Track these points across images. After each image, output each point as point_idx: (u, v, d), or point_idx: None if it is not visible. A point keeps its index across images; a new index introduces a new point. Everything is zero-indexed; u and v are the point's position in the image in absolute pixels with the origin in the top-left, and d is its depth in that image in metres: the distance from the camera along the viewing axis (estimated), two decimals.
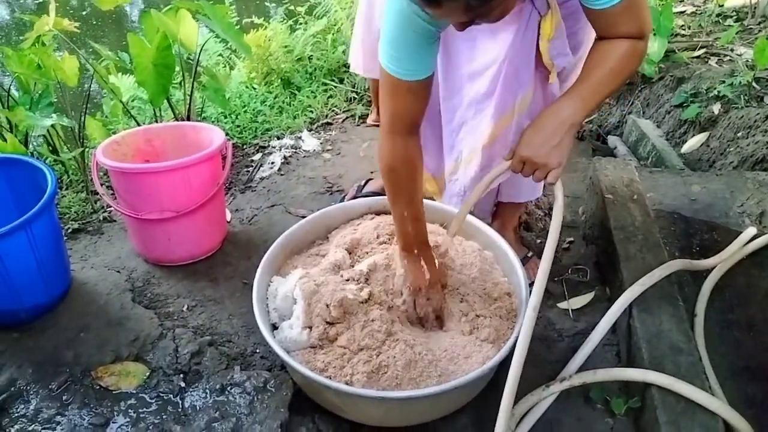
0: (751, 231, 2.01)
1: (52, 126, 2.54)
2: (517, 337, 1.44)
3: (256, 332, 1.85)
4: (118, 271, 2.16)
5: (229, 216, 2.45)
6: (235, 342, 1.86)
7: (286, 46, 3.80)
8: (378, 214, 1.99)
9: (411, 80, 1.46)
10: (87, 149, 2.71)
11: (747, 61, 3.35)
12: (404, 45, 1.42)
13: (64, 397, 1.67)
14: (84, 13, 7.64)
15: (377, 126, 3.24)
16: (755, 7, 4.11)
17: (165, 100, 2.72)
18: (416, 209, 1.67)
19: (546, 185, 1.53)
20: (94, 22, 7.25)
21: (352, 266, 1.75)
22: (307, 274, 1.69)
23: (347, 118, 3.43)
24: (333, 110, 3.50)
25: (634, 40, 1.38)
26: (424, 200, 1.76)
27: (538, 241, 2.27)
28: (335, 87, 3.68)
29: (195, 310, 1.98)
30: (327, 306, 1.57)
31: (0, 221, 1.93)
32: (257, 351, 1.83)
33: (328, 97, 3.60)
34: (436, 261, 1.70)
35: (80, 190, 2.70)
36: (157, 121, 2.86)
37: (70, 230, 2.40)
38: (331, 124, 3.35)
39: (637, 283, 1.68)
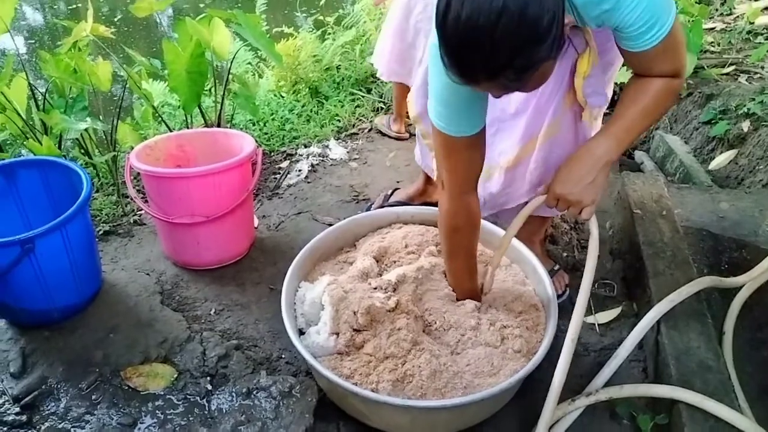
0: None
1: (85, 130, 2.59)
2: (545, 352, 1.46)
3: (282, 337, 1.87)
4: (148, 274, 2.19)
5: (256, 222, 2.48)
6: (261, 347, 1.88)
7: (314, 56, 3.84)
8: (405, 223, 1.99)
9: (465, 136, 1.44)
10: (118, 153, 2.76)
11: None
12: (455, 103, 1.39)
13: (94, 397, 1.70)
14: (115, 19, 7.78)
15: (400, 138, 3.25)
16: None
17: (196, 107, 2.76)
18: (472, 265, 1.70)
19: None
20: (126, 29, 7.37)
21: (380, 275, 1.76)
22: (336, 280, 1.70)
23: (374, 128, 3.45)
24: (360, 120, 3.53)
25: (670, 78, 1.39)
26: None
27: (564, 254, 2.26)
28: (363, 97, 3.70)
29: (222, 314, 2.01)
30: (354, 313, 1.58)
31: (36, 222, 2.00)
32: (283, 356, 1.84)
33: (356, 107, 3.62)
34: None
35: (111, 193, 2.74)
36: (188, 127, 2.90)
37: (101, 232, 2.44)
38: (357, 133, 3.37)
39: (665, 299, 1.67)
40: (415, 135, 3.23)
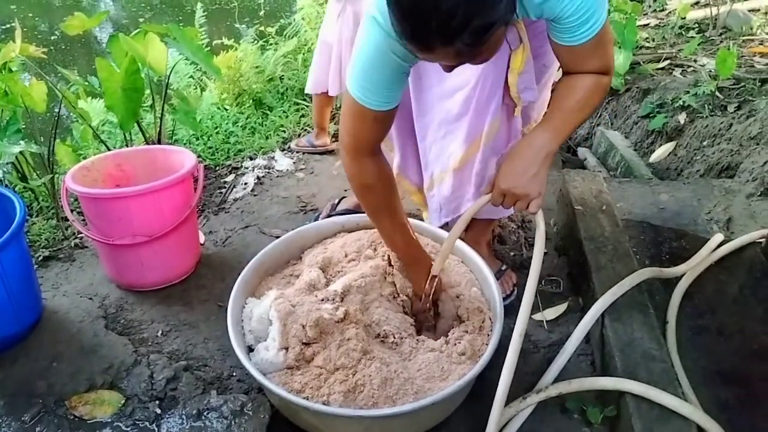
0: (719, 237, 2.06)
1: (21, 153, 2.51)
2: (491, 354, 1.47)
3: (232, 355, 1.83)
4: (91, 298, 2.13)
5: (202, 238, 2.44)
6: (211, 366, 1.84)
7: (257, 67, 3.82)
8: (351, 232, 1.99)
9: (380, 110, 1.48)
10: (57, 175, 2.68)
11: (710, 71, 3.44)
12: (377, 77, 1.42)
13: (38, 429, 1.64)
14: (53, 38, 7.59)
15: (328, 152, 3.23)
16: (716, 19, 4.22)
17: (135, 124, 2.70)
18: (400, 220, 1.70)
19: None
20: (63, 47, 7.20)
21: (327, 285, 1.75)
22: (282, 294, 1.68)
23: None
24: (305, 129, 3.51)
25: (599, 75, 1.43)
26: (413, 221, 1.80)
27: (512, 253, 2.29)
28: (307, 106, 3.69)
29: (170, 335, 1.96)
30: (303, 326, 1.56)
31: None
32: (234, 374, 1.81)
33: (300, 117, 3.61)
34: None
35: (51, 216, 2.66)
36: (127, 145, 2.84)
37: (40, 258, 2.36)
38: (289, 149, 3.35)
39: (608, 292, 1.71)
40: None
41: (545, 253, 2.24)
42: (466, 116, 1.70)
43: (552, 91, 1.67)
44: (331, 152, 3.23)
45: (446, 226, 1.90)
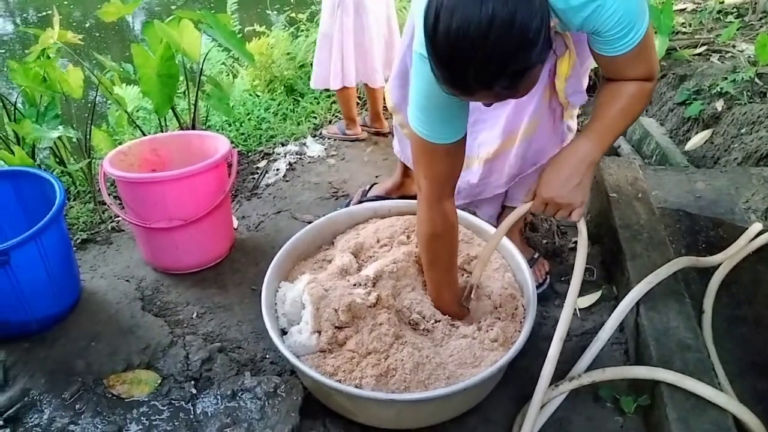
0: (757, 227, 2.01)
1: (59, 138, 2.56)
2: (523, 342, 1.49)
3: (266, 338, 1.86)
4: (128, 280, 2.17)
5: (236, 223, 2.47)
6: (245, 348, 1.87)
7: (288, 53, 3.83)
8: (383, 218, 1.99)
9: (446, 143, 1.44)
10: (93, 160, 2.73)
11: (749, 57, 3.35)
12: (437, 112, 1.39)
13: (77, 406, 1.69)
14: (87, 25, 7.70)
15: (359, 139, 3.23)
16: (755, 3, 4.11)
17: (170, 110, 2.74)
18: (453, 276, 1.68)
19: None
20: (97, 34, 7.30)
21: (359, 270, 1.76)
22: (315, 279, 1.70)
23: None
24: (336, 116, 3.52)
25: (642, 81, 1.40)
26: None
27: (544, 241, 2.28)
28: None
29: (204, 317, 2.00)
30: (335, 310, 1.58)
31: (10, 233, 1.98)
32: (267, 356, 1.84)
33: (332, 103, 3.62)
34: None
35: (88, 200, 2.72)
36: (162, 131, 2.88)
37: (79, 240, 2.42)
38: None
39: (643, 281, 1.68)
40: (386, 131, 3.24)
41: (577, 241, 2.24)
42: (504, 110, 1.70)
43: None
44: (362, 140, 3.23)
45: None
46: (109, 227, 2.51)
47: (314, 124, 3.44)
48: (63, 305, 1.97)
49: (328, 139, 3.25)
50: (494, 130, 1.75)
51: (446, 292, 1.68)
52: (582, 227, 1.51)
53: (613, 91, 1.42)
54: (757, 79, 3.06)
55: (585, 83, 1.76)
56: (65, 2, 9.15)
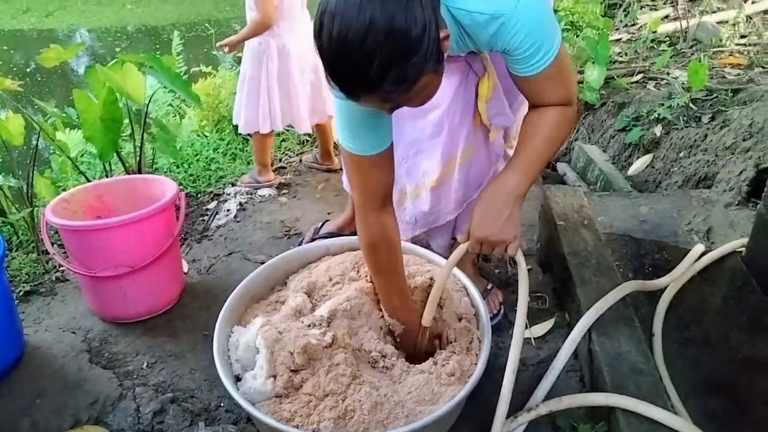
0: (699, 248, 2.08)
1: None
2: (479, 375, 1.50)
3: (220, 385, 1.80)
4: (74, 332, 2.10)
5: (186, 267, 2.42)
6: (199, 397, 1.82)
7: (235, 93, 3.81)
8: (336, 255, 1.98)
9: (372, 154, 1.48)
10: (36, 208, 2.65)
11: (683, 83, 3.50)
12: (356, 124, 1.44)
13: None
14: (29, 69, 7.55)
15: (256, 186, 3.16)
16: (686, 32, 4.31)
17: (115, 154, 2.69)
18: (400, 283, 1.69)
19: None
20: (40, 79, 7.16)
21: (312, 310, 1.74)
22: (269, 321, 1.66)
23: (301, 161, 3.44)
24: (286, 154, 3.52)
25: (563, 107, 1.43)
26: (408, 244, 1.80)
27: (497, 271, 2.30)
28: (287, 131, 3.69)
29: (155, 367, 1.94)
30: (291, 353, 1.54)
31: None
32: (222, 404, 1.79)
33: (281, 141, 3.61)
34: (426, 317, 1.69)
35: (31, 250, 2.63)
36: (107, 176, 2.82)
37: (21, 293, 2.33)
38: (285, 167, 3.36)
39: (593, 307, 1.71)
40: (337, 167, 3.25)
41: (529, 269, 2.27)
42: (440, 137, 1.73)
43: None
44: (279, 185, 3.18)
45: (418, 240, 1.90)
46: (54, 277, 2.43)
47: None
48: (5, 362, 1.88)
49: (245, 188, 3.15)
50: (434, 158, 1.78)
51: (395, 298, 1.69)
52: (520, 260, 1.53)
53: (535, 121, 1.45)
54: (691, 105, 3.19)
55: (522, 115, 1.80)
56: (5, 47, 8.97)
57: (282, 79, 2.86)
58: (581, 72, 3.82)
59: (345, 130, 1.47)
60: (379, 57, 1.07)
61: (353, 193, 1.61)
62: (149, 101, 2.79)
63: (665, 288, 1.97)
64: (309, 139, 3.67)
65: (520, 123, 1.64)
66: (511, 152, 1.64)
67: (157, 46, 8.22)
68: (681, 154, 3.05)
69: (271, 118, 2.91)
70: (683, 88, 3.41)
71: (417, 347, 1.71)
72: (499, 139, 1.73)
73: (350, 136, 1.47)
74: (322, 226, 2.55)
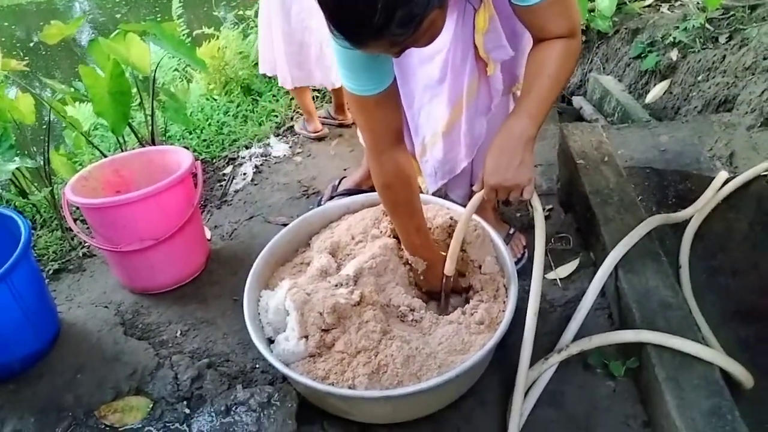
0: (723, 175, 2.04)
1: (17, 168, 2.50)
2: (509, 322, 1.50)
3: (253, 348, 1.84)
4: (106, 306, 2.14)
5: (208, 234, 2.44)
6: (234, 360, 1.86)
7: (240, 53, 3.77)
8: (356, 212, 1.98)
9: (375, 93, 1.46)
10: (55, 185, 2.67)
11: (698, 3, 3.37)
12: (354, 63, 1.42)
13: None
14: (31, 44, 7.50)
15: (321, 138, 3.18)
16: None
17: (126, 126, 2.68)
18: (418, 220, 1.69)
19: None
20: (44, 52, 7.12)
21: (338, 270, 1.75)
22: (296, 284, 1.68)
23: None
24: (297, 112, 3.48)
25: (566, 39, 1.40)
26: (426, 195, 1.80)
27: (518, 214, 2.29)
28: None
29: (189, 335, 1.98)
30: (320, 314, 1.56)
31: None
32: (257, 366, 1.83)
33: (291, 99, 3.57)
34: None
35: (55, 228, 2.66)
36: (121, 148, 2.82)
37: (51, 271, 2.37)
38: (293, 128, 3.32)
39: (619, 244, 1.70)
40: (350, 122, 3.21)
41: (551, 209, 2.26)
42: (446, 80, 1.69)
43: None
44: (321, 138, 3.17)
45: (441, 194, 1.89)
46: (80, 253, 2.47)
47: (276, 123, 3.39)
48: (43, 341, 1.93)
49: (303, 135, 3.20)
50: (441, 103, 1.75)
51: (415, 236, 1.70)
52: (536, 203, 1.52)
53: (539, 59, 1.42)
54: (708, 25, 3.08)
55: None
56: (5, 23, 8.90)
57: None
58: (592, 0, 3.70)
59: (345, 70, 1.45)
60: (383, 0, 1.04)
61: (362, 134, 1.60)
62: (155, 70, 2.77)
63: (690, 219, 1.95)
64: (318, 95, 3.62)
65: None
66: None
67: (157, 9, 8.09)
68: (699, 78, 2.96)
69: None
70: (698, 8, 3.29)
71: (442, 294, 1.72)
72: (497, 73, 1.69)
73: (350, 76, 1.46)
74: (339, 183, 2.54)
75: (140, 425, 1.68)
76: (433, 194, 1.98)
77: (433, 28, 1.19)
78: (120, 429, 1.68)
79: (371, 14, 1.05)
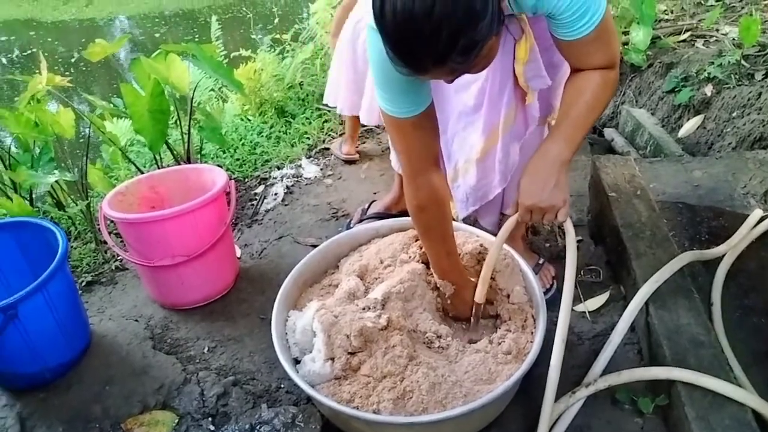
0: (758, 213, 2.02)
1: (55, 181, 2.57)
2: (537, 353, 1.50)
3: (279, 367, 1.85)
4: (136, 320, 2.17)
5: (239, 252, 2.47)
6: (259, 379, 1.87)
7: (276, 75, 3.84)
8: (386, 236, 2.00)
9: (412, 116, 1.47)
10: (91, 199, 2.73)
11: (733, 39, 3.37)
12: (395, 86, 1.43)
13: None
14: (72, 60, 7.71)
15: (351, 162, 3.20)
16: None
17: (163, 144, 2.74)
18: (449, 244, 1.70)
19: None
20: (84, 68, 7.31)
21: (366, 293, 1.76)
22: (324, 305, 1.70)
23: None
24: (329, 135, 3.52)
25: (605, 70, 1.41)
26: (457, 224, 1.80)
27: (547, 244, 2.28)
28: (329, 111, 3.69)
29: (216, 351, 2.00)
30: (347, 336, 1.57)
31: (15, 284, 1.97)
32: (282, 386, 1.84)
33: (324, 122, 3.62)
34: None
35: (89, 240, 2.72)
36: (158, 165, 2.88)
37: (84, 283, 2.42)
38: (328, 149, 3.36)
39: (650, 280, 1.69)
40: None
41: (580, 241, 2.25)
42: (482, 108, 1.71)
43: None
44: (351, 162, 3.21)
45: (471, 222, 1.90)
46: (113, 267, 2.51)
47: (308, 144, 3.44)
48: (74, 352, 1.96)
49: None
50: (476, 132, 1.76)
51: (445, 260, 1.70)
52: (569, 227, 1.52)
53: (577, 86, 1.44)
54: (743, 62, 3.08)
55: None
56: (48, 39, 9.17)
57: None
58: (626, 33, 3.71)
59: (382, 92, 1.47)
60: (448, 27, 1.06)
61: (398, 156, 1.61)
62: (194, 90, 2.83)
63: (723, 256, 1.92)
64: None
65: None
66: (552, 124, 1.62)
67: (195, 30, 8.29)
68: (734, 114, 2.94)
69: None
70: (734, 44, 3.28)
71: (472, 322, 1.72)
72: (535, 101, 1.70)
73: (388, 98, 1.46)
74: (369, 206, 2.56)
75: None
76: (463, 221, 1.99)
77: (489, 55, 1.22)
78: None
79: (435, 42, 1.08)
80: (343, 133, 3.30)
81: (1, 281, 2.08)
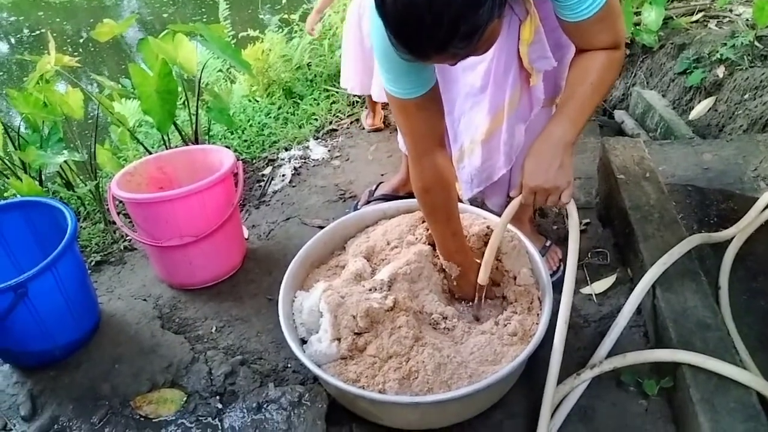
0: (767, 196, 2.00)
1: (64, 161, 2.58)
2: (542, 334, 1.49)
3: (286, 347, 1.86)
4: (145, 300, 2.19)
5: (246, 233, 2.48)
6: (267, 359, 1.89)
7: (284, 56, 3.82)
8: (392, 218, 2.00)
9: (416, 97, 1.47)
10: (100, 179, 2.74)
11: (747, 20, 3.32)
12: (398, 67, 1.42)
13: (106, 430, 1.71)
14: (81, 40, 7.70)
15: (377, 130, 3.27)
16: None
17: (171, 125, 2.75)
18: (455, 225, 1.70)
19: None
20: (92, 49, 7.31)
21: (372, 274, 1.76)
22: (330, 286, 1.70)
23: (352, 122, 3.45)
24: (337, 116, 3.52)
25: (611, 50, 1.40)
26: (464, 205, 1.80)
27: (555, 227, 2.27)
28: (337, 92, 3.69)
29: (224, 331, 2.01)
30: (353, 317, 1.58)
31: (25, 263, 2.00)
32: (289, 366, 1.85)
33: (331, 103, 3.61)
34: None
35: (98, 220, 2.73)
36: (165, 145, 2.89)
37: (93, 263, 2.43)
38: (336, 130, 3.36)
39: (657, 262, 1.68)
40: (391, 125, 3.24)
41: (588, 223, 2.24)
42: (488, 89, 1.70)
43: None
44: (378, 129, 3.31)
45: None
46: (122, 247, 2.53)
47: (315, 126, 3.43)
48: (83, 330, 1.99)
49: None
50: (482, 112, 1.75)
51: (451, 241, 1.70)
52: (572, 209, 1.52)
53: (582, 66, 1.43)
54: (757, 43, 3.03)
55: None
56: (57, 19, 9.16)
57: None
58: (638, 13, 3.66)
59: (387, 74, 1.46)
60: (449, 14, 1.05)
61: (403, 137, 1.60)
62: (202, 71, 2.82)
63: (731, 239, 1.91)
64: (359, 100, 3.65)
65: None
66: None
67: (203, 10, 8.24)
68: (746, 96, 2.91)
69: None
70: (747, 25, 3.24)
71: (476, 304, 1.73)
72: (540, 83, 1.69)
73: (392, 78, 1.46)
74: (376, 188, 2.56)
75: (174, 417, 1.72)
76: (470, 202, 1.98)
77: (492, 38, 1.21)
78: (154, 420, 1.72)
79: (436, 30, 1.07)
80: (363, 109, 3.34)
81: (11, 260, 2.10)
